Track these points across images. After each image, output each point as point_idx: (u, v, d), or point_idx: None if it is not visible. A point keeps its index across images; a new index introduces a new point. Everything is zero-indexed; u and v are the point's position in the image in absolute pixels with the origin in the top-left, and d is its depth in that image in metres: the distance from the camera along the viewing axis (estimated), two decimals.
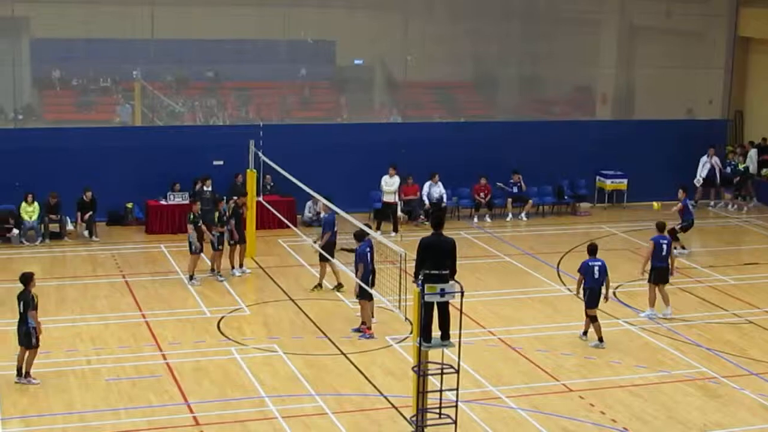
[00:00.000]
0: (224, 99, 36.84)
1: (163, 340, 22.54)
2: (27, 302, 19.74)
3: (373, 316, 23.22)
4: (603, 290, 22.85)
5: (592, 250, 23.16)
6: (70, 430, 18.07)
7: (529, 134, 36.32)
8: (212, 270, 27.16)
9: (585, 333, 23.16)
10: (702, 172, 36.86)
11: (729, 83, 40.06)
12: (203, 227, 26.67)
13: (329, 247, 25.47)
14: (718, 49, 39.96)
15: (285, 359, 21.59)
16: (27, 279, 19.93)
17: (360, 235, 23.14)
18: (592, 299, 22.84)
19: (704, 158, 36.87)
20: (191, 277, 26.63)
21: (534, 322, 24.47)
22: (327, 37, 38.04)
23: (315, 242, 25.82)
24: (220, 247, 27.04)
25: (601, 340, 22.80)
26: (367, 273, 22.73)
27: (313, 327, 23.72)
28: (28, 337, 19.73)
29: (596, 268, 22.78)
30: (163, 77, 36.20)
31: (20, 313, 19.77)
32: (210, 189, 31.40)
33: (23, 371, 19.89)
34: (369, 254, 22.87)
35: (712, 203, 37.35)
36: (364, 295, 22.86)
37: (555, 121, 39.04)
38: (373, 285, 22.61)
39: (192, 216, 26.60)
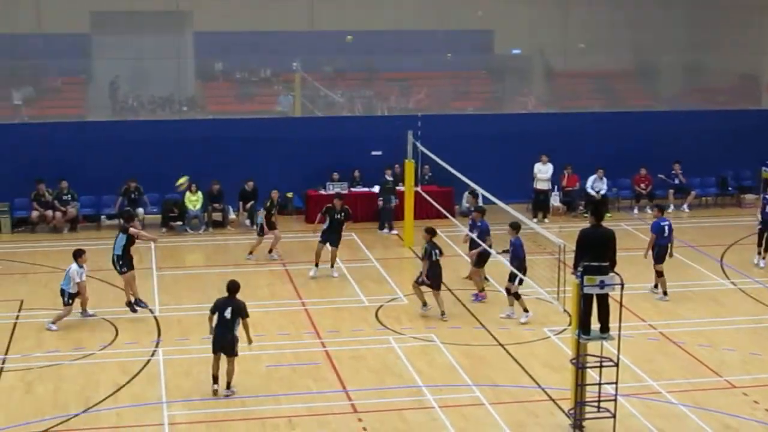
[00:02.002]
0: (382, 90, 37.06)
1: (322, 328, 22.82)
2: (239, 310, 19.04)
3: (527, 311, 23.16)
4: (669, 248, 25.03)
5: (662, 209, 25.61)
6: (232, 414, 18.42)
7: (691, 124, 35.58)
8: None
9: (656, 286, 25.32)
10: None
11: None
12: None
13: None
14: None
15: (442, 349, 21.64)
16: (236, 288, 19.26)
17: (515, 227, 23.32)
18: (660, 256, 24.95)
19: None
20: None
21: (696, 316, 24.00)
22: (485, 26, 37.98)
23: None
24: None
25: (665, 293, 24.94)
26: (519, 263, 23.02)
27: (471, 317, 23.72)
28: (231, 345, 19.02)
29: (666, 227, 24.90)
30: (322, 68, 36.63)
31: (227, 319, 18.94)
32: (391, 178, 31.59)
33: (227, 383, 19.16)
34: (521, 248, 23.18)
35: None
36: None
37: (718, 110, 38.16)
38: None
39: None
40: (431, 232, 23.69)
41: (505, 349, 21.77)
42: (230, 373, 19.21)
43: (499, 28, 37.82)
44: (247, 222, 31.48)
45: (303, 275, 26.68)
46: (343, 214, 26.73)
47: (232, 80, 37.15)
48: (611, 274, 17.24)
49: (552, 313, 22.91)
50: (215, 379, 19.21)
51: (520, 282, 22.85)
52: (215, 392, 19.12)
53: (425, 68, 37.79)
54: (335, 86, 36.94)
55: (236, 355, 19.17)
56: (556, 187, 33.54)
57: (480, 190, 25.73)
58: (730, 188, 35.46)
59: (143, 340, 21.91)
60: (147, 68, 35.55)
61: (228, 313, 18.95)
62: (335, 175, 32.60)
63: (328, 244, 26.56)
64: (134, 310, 23.23)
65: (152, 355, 21.17)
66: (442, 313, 23.48)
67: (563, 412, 18.47)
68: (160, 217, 31.50)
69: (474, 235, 24.71)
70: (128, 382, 19.74)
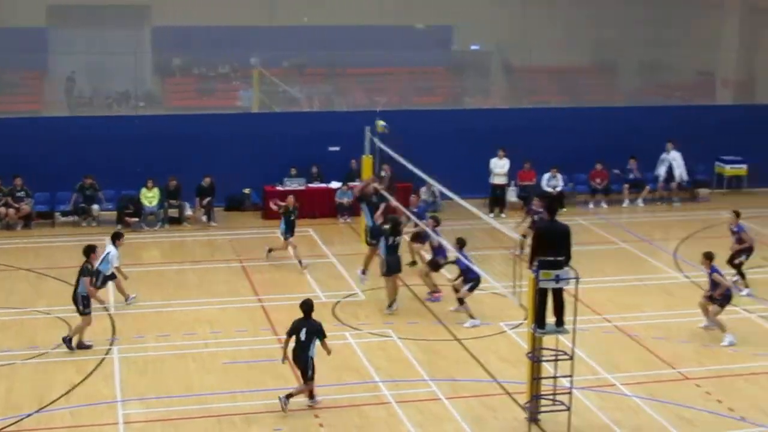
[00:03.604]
0: (341, 85, 37.06)
1: (279, 324, 22.78)
2: (317, 332, 18.60)
3: (474, 318, 23.24)
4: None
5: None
6: (188, 412, 18.38)
7: (648, 119, 35.80)
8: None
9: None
10: (659, 169, 35.00)
11: None
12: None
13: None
14: None
15: (399, 344, 21.69)
16: (310, 308, 18.77)
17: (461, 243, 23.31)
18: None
19: (663, 154, 34.98)
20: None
21: (651, 309, 24.17)
22: (444, 22, 38.07)
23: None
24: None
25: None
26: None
27: (428, 312, 23.78)
28: (305, 368, 18.51)
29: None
30: (281, 64, 36.59)
31: (301, 341, 18.47)
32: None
33: (289, 393, 18.64)
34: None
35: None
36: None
37: (674, 106, 38.44)
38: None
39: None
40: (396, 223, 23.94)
41: (461, 343, 21.85)
42: (299, 390, 18.69)
43: (459, 24, 37.92)
44: (204, 218, 31.38)
45: (260, 271, 26.64)
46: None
47: (190, 75, 37.07)
48: (566, 268, 17.36)
49: (508, 308, 22.96)
50: (289, 395, 18.58)
51: (471, 289, 22.84)
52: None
53: (385, 64, 37.83)
54: (294, 82, 36.89)
55: (311, 379, 18.58)
56: (512, 182, 33.66)
57: (437, 186, 25.77)
58: (685, 182, 35.67)
59: (98, 338, 21.77)
60: (104, 63, 35.41)
61: (303, 335, 18.53)
62: (293, 171, 32.57)
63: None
64: (71, 348, 21.07)
65: (107, 353, 21.06)
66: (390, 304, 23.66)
67: (519, 405, 18.57)
68: (116, 213, 31.33)
69: (440, 239, 24.84)
70: (82, 381, 19.63)
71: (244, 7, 35.30)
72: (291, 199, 27.22)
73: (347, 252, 28.27)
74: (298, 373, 18.75)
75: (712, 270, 21.89)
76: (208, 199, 31.42)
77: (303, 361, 18.58)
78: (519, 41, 37.77)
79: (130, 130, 32.25)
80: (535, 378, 17.84)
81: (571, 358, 17.61)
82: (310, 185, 32.65)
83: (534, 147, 33.65)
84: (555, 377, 17.79)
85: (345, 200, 31.93)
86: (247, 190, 32.96)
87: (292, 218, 27.00)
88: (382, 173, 31.57)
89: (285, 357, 18.77)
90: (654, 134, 35.12)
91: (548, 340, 18.10)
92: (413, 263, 26.45)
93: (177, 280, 25.96)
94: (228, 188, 32.48)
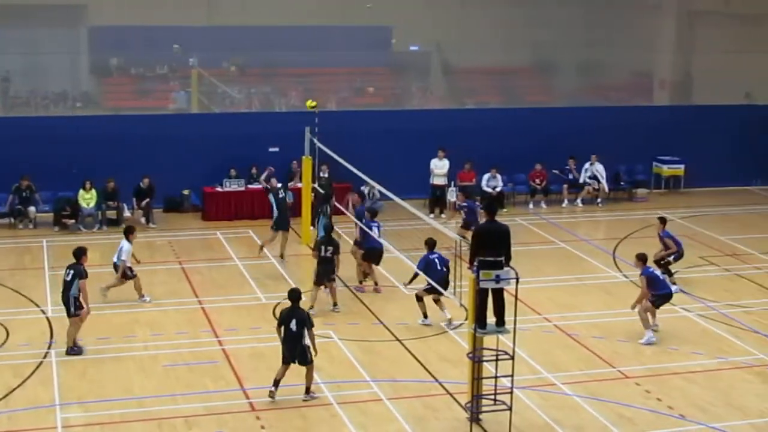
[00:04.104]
0: (280, 86, 36.94)
1: (220, 327, 22.68)
2: (303, 321, 18.71)
3: (427, 317, 23.21)
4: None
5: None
6: (128, 415, 18.20)
7: (587, 120, 36.04)
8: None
9: None
10: (584, 176, 35.08)
11: None
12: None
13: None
14: None
15: (340, 345, 21.65)
16: (297, 296, 19.06)
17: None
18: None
19: (587, 164, 35.10)
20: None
21: (590, 308, 24.33)
22: (383, 23, 38.06)
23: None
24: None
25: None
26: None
27: (369, 313, 23.77)
28: (303, 354, 18.75)
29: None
30: (220, 64, 36.41)
31: (293, 331, 18.61)
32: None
33: (306, 388, 19.01)
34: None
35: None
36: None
37: (613, 106, 38.76)
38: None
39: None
40: (330, 228, 23.93)
41: (402, 344, 21.86)
42: (309, 379, 18.93)
43: (397, 25, 37.93)
44: (142, 220, 31.14)
45: (200, 273, 26.49)
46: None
47: (128, 76, 36.77)
48: (506, 268, 17.42)
49: (449, 308, 23.02)
50: (276, 384, 18.82)
51: (430, 292, 22.80)
52: (271, 394, 18.80)
53: (324, 64, 37.76)
54: (233, 82, 36.71)
55: (311, 362, 18.82)
56: (452, 183, 33.73)
57: (378, 186, 25.77)
58: (622, 183, 35.98)
59: (36, 341, 21.52)
60: (40, 63, 35.01)
61: (294, 325, 18.65)
62: (233, 172, 32.42)
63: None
64: (78, 353, 21.00)
65: (45, 356, 20.81)
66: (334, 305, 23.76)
67: (460, 405, 18.61)
68: (52, 215, 30.95)
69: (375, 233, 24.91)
70: (20, 385, 19.38)
71: (181, 8, 35.06)
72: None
73: (288, 253, 28.15)
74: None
75: (645, 271, 22.07)
76: (146, 200, 31.18)
77: (300, 351, 18.70)
78: (458, 42, 37.86)
79: (68, 130, 31.88)
80: (476, 378, 17.89)
81: (512, 358, 17.68)
82: (249, 186, 32.50)
83: (474, 147, 33.74)
84: (496, 377, 17.84)
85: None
86: (186, 192, 32.75)
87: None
88: (320, 173, 31.52)
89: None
90: (592, 134, 35.36)
91: (489, 340, 18.17)
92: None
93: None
94: (167, 189, 32.24)
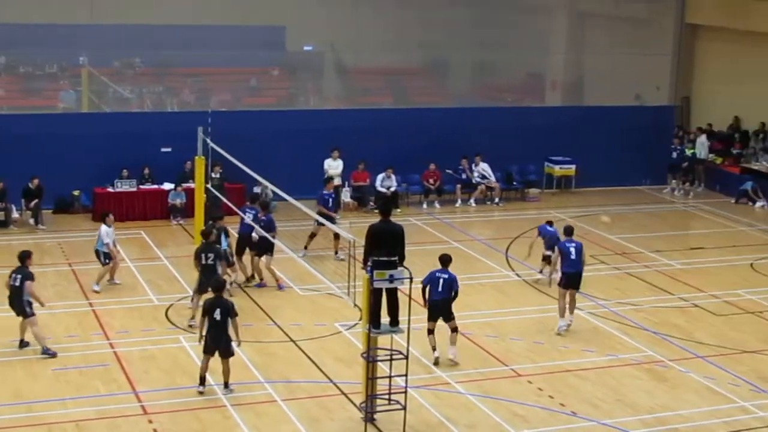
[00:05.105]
0: (172, 85, 36.58)
1: (111, 329, 22.39)
2: (227, 311, 18.96)
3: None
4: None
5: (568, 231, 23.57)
6: (18, 420, 17.89)
7: (480, 120, 36.31)
8: None
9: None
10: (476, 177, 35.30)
11: (676, 69, 40.43)
12: None
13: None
14: (665, 36, 40.31)
15: (234, 347, 21.46)
16: (222, 286, 19.48)
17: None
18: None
19: (473, 166, 35.25)
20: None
21: (484, 307, 24.53)
22: (277, 22, 37.90)
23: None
24: None
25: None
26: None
27: (263, 314, 23.65)
28: (227, 345, 19.04)
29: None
30: (111, 63, 35.93)
31: (217, 321, 18.82)
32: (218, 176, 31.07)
33: (225, 383, 19.23)
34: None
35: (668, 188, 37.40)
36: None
37: (505, 107, 39.13)
38: None
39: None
40: (206, 235, 23.34)
41: (297, 345, 21.81)
42: (227, 373, 19.13)
43: (291, 25, 37.81)
44: (31, 221, 30.59)
45: (90, 275, 26.03)
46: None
47: (16, 74, 36.08)
48: (400, 268, 17.48)
49: (343, 308, 23.05)
50: (202, 381, 18.99)
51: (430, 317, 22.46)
52: (201, 393, 18.91)
53: (217, 64, 37.49)
54: (124, 81, 36.25)
55: (233, 355, 19.15)
56: (346, 183, 33.73)
57: (271, 187, 25.67)
58: (515, 183, 36.32)
59: None
60: None
61: (218, 315, 18.72)
62: (125, 172, 32.00)
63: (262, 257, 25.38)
64: (52, 354, 20.75)
65: None
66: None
67: (355, 405, 18.64)
68: None
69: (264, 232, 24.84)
70: None
71: (70, 5, 34.51)
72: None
73: (180, 254, 27.88)
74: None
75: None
76: (35, 201, 30.61)
77: (224, 341, 18.85)
78: (351, 42, 37.85)
79: None
80: (371, 378, 17.92)
81: (406, 358, 17.74)
82: (141, 187, 32.14)
83: (368, 148, 33.78)
84: (390, 377, 17.90)
85: (178, 201, 31.52)
86: (76, 192, 32.24)
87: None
88: (213, 174, 31.25)
89: (202, 337, 19.11)
90: (485, 135, 35.62)
91: (383, 340, 18.22)
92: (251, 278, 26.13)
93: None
94: (57, 190, 31.70)
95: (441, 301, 20.83)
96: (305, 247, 27.54)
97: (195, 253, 22.88)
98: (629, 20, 40.20)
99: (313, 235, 27.62)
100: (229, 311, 18.90)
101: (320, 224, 25.34)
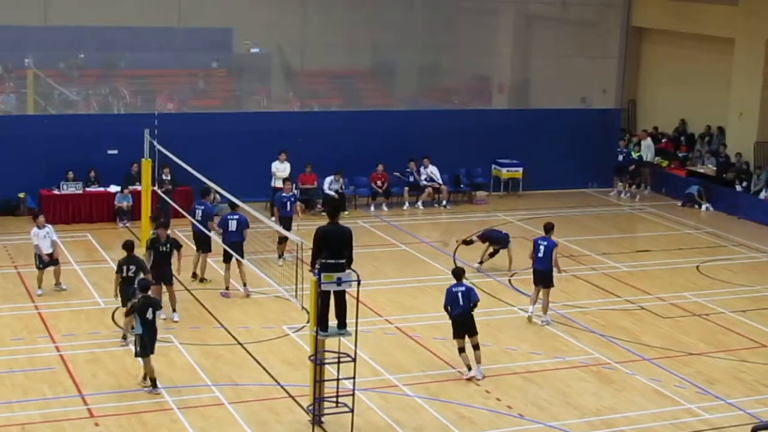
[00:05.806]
0: (119, 87, 36.32)
1: (57, 332, 22.22)
2: (142, 267, 21.61)
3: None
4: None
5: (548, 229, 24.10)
6: None
7: (427, 123, 36.37)
8: None
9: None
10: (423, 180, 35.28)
11: (622, 72, 40.71)
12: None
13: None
14: (611, 39, 40.54)
15: (181, 349, 21.42)
16: (132, 245, 22.12)
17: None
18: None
19: (421, 168, 35.28)
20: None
21: (432, 310, 24.51)
22: (224, 24, 37.77)
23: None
24: None
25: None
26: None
27: (210, 317, 23.57)
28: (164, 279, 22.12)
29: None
30: (57, 65, 35.64)
31: (150, 319, 19.12)
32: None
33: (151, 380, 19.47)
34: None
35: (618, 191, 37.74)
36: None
37: (452, 109, 39.24)
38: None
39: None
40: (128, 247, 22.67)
41: (244, 348, 21.75)
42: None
43: (239, 26, 37.68)
44: None
45: (36, 278, 25.81)
46: (168, 245, 23.25)
47: None
48: (348, 271, 17.49)
49: (291, 311, 23.01)
50: (153, 382, 19.28)
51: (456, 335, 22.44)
52: (154, 393, 19.24)
53: (164, 66, 37.29)
54: (70, 83, 35.95)
55: (172, 284, 22.80)
56: (294, 185, 33.63)
57: (219, 189, 25.57)
58: (462, 185, 36.41)
59: None
60: None
61: (150, 314, 19.22)
62: (70, 175, 31.75)
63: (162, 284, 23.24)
64: None
65: None
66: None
67: (302, 408, 18.63)
68: None
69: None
70: None
71: (16, 6, 34.17)
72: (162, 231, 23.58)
73: None
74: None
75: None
76: None
77: (132, 294, 20.42)
78: (299, 44, 37.78)
79: None
80: (318, 380, 17.93)
81: (354, 360, 17.77)
82: (87, 189, 31.91)
83: (315, 150, 33.73)
84: (338, 379, 17.90)
85: (125, 204, 31.32)
86: (22, 195, 31.95)
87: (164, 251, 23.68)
88: (162, 176, 31.10)
89: (117, 294, 21.60)
90: (433, 137, 35.65)
91: (331, 343, 18.22)
92: (200, 279, 26.04)
93: None
94: (1, 192, 31.40)
95: (462, 316, 20.68)
96: (280, 256, 27.47)
97: (117, 265, 22.23)
98: (576, 23, 40.43)
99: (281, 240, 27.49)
100: (143, 267, 21.65)
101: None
